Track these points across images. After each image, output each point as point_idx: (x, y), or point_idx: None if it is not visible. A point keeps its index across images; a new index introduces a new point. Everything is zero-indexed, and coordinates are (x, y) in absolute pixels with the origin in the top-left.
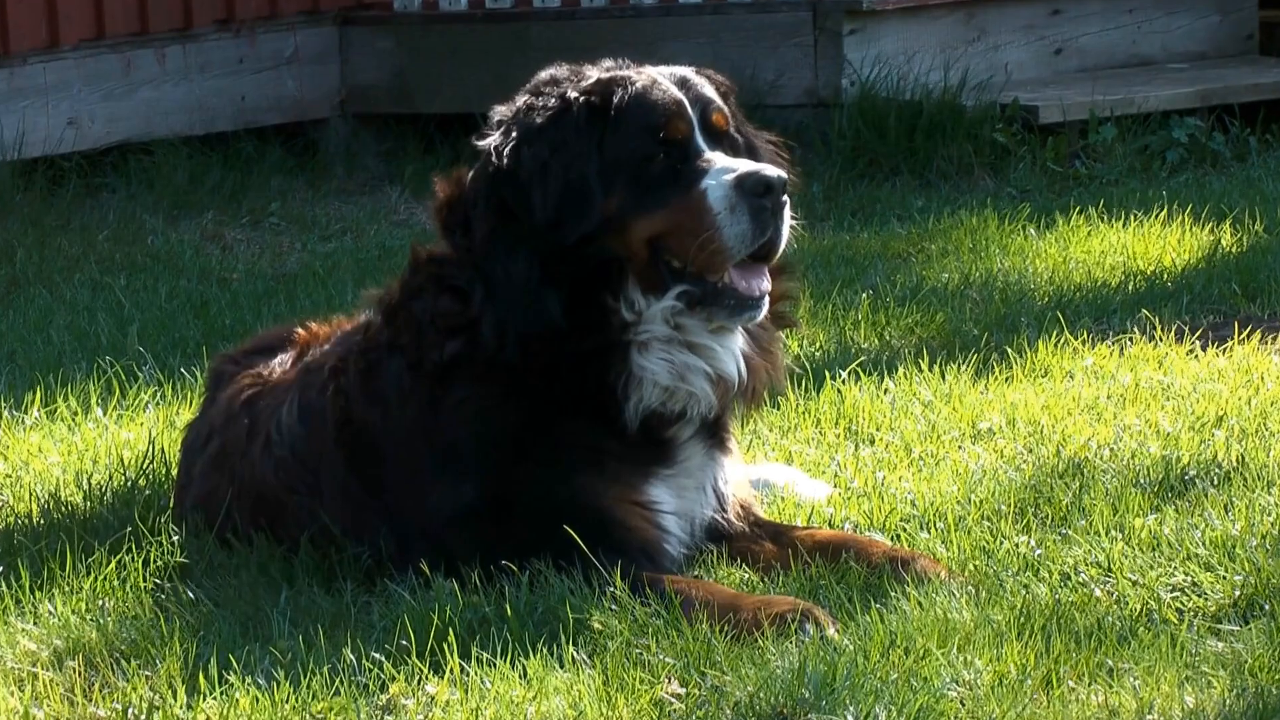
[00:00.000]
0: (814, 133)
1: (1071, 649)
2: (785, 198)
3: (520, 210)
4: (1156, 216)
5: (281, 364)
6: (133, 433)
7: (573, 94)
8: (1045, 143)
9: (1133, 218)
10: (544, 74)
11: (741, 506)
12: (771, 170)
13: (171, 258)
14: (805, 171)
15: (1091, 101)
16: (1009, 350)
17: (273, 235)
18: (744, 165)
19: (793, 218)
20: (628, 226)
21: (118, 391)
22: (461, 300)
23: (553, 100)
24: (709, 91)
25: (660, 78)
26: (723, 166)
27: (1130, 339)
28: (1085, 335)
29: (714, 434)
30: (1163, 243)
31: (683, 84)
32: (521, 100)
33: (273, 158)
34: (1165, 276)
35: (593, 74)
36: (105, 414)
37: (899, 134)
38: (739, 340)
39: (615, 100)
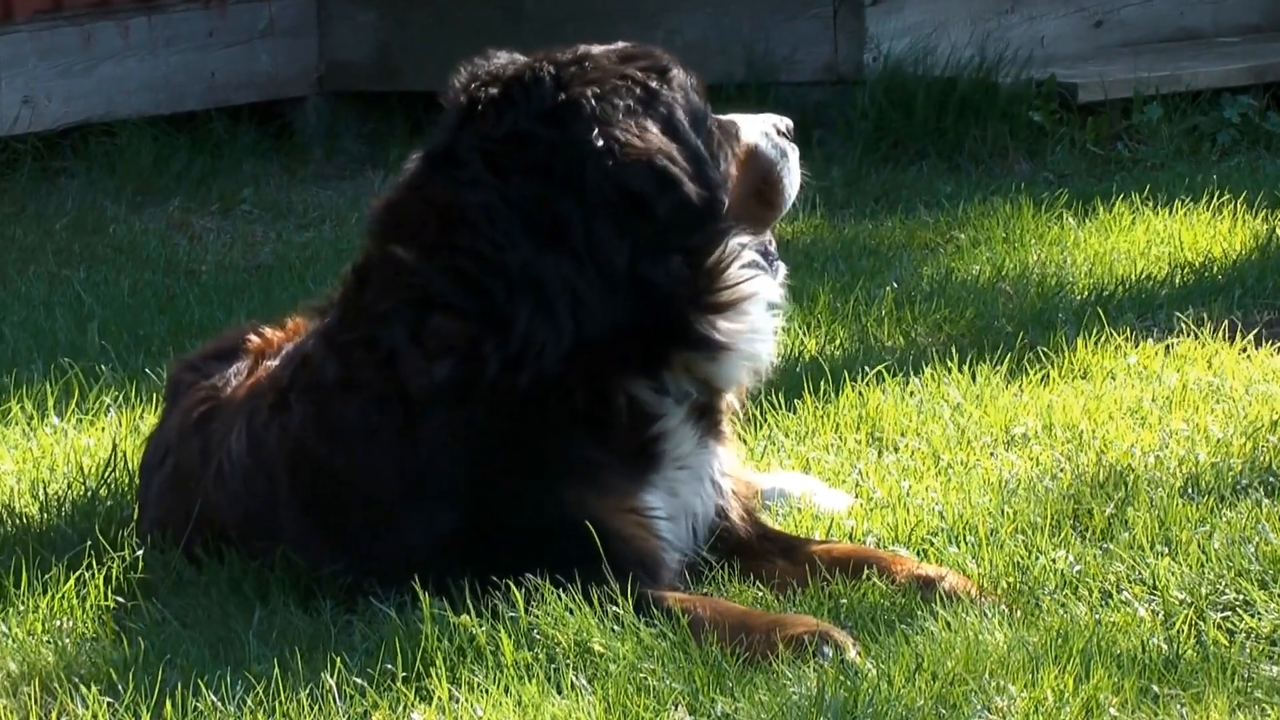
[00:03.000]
0: (834, 112)
1: (1113, 674)
2: None
3: (656, 199)
4: (1206, 203)
5: (237, 374)
6: (93, 438)
7: (633, 70)
8: (1085, 123)
9: (1180, 204)
10: (525, 70)
11: (746, 511)
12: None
13: (135, 248)
14: (824, 155)
15: (1135, 78)
16: (1045, 349)
17: (245, 224)
18: (752, 115)
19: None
20: (716, 188)
21: (77, 394)
22: (458, 318)
23: (609, 80)
24: None
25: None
26: (740, 118)
27: (1177, 336)
28: (1128, 332)
29: (704, 416)
30: (1213, 232)
31: None
32: (559, 95)
33: (245, 139)
34: (1215, 268)
35: (599, 54)
36: (63, 418)
37: (927, 114)
38: None
39: (660, 70)
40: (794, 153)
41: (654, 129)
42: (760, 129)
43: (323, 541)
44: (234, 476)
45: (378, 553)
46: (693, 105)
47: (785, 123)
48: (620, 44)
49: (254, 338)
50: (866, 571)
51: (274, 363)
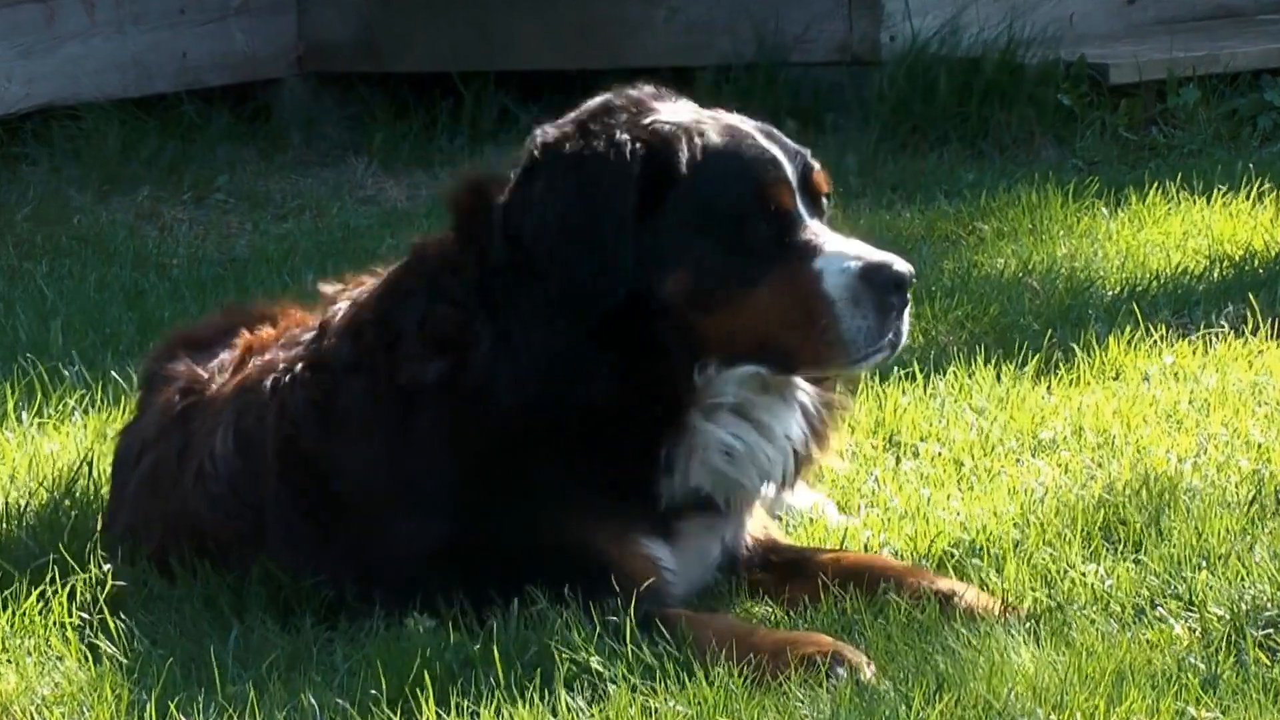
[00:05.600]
0: (849, 95)
1: (1147, 695)
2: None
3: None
4: (1246, 192)
5: (221, 368)
6: (58, 443)
7: (623, 136)
8: (1117, 107)
9: (1218, 194)
10: (598, 101)
11: (755, 538)
12: (902, 263)
13: (101, 240)
14: (838, 140)
15: (1170, 59)
16: (1075, 347)
17: (219, 214)
18: (865, 251)
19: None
20: (708, 305)
21: (40, 396)
22: (460, 312)
23: (600, 142)
24: (798, 145)
25: (743, 124)
26: (839, 250)
27: (1216, 334)
28: (1164, 330)
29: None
30: (1253, 223)
31: (770, 135)
32: (568, 128)
33: (219, 123)
34: (1256, 261)
35: (657, 111)
36: (25, 422)
37: (948, 96)
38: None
39: (682, 152)
40: (876, 307)
41: (571, 211)
42: (856, 266)
43: (310, 544)
44: (217, 478)
45: (368, 559)
46: (700, 200)
47: (895, 268)
48: (671, 108)
49: (246, 333)
50: (882, 585)
51: (267, 357)
